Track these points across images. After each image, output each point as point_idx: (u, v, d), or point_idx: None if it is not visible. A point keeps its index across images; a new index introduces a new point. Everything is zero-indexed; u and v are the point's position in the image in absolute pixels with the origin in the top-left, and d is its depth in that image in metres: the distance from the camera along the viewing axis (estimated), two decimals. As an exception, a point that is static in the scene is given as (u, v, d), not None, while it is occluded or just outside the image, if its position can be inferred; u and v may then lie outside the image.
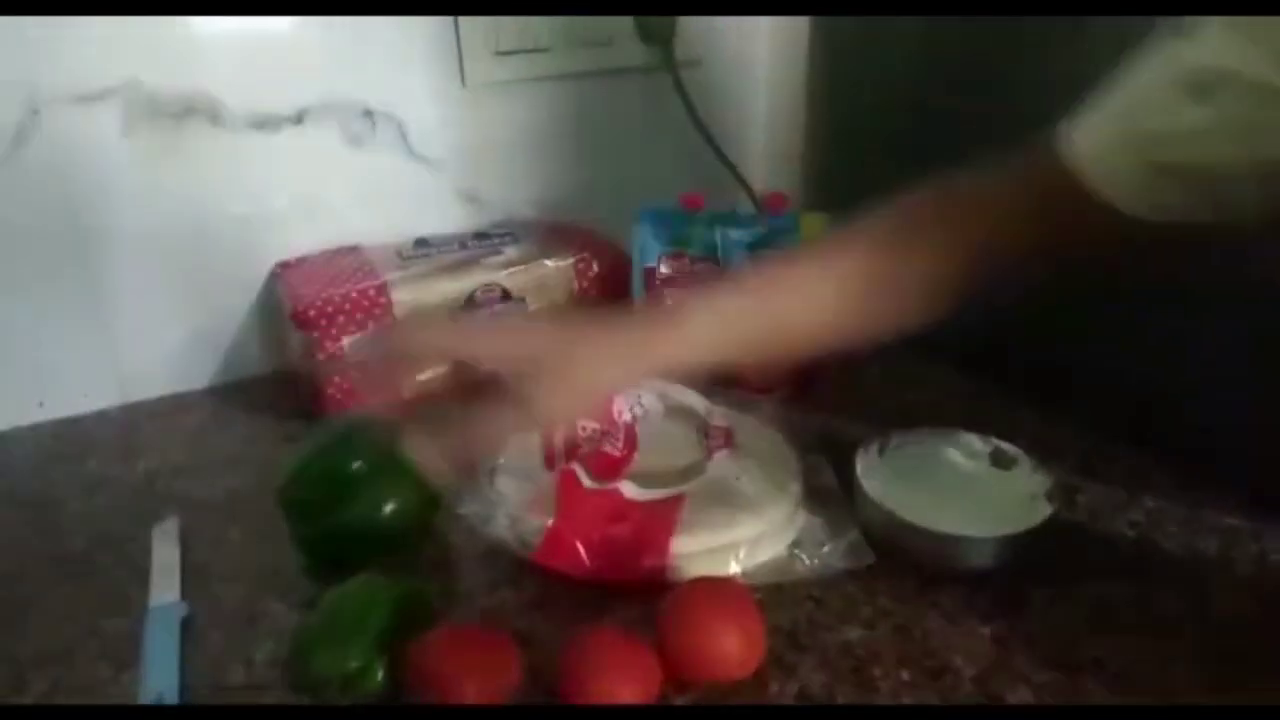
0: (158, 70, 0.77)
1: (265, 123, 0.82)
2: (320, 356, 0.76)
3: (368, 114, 0.86)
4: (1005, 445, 0.65)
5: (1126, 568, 0.61)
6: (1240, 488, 0.65)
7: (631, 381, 0.66)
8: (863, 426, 0.76)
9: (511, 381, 0.50)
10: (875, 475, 0.64)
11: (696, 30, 0.96)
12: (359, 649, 0.50)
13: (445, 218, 0.92)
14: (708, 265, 0.81)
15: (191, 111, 0.79)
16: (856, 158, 0.95)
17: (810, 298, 0.56)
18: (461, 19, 0.86)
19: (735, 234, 0.79)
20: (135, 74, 0.77)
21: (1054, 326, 0.76)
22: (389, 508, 0.61)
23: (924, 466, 0.65)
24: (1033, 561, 0.60)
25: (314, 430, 0.65)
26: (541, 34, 0.89)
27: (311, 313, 0.76)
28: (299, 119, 0.83)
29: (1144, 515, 0.66)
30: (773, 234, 0.79)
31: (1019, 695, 0.51)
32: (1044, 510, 0.60)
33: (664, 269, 0.81)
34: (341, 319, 0.77)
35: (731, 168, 0.97)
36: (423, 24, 0.85)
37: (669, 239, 0.81)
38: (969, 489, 0.63)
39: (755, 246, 0.78)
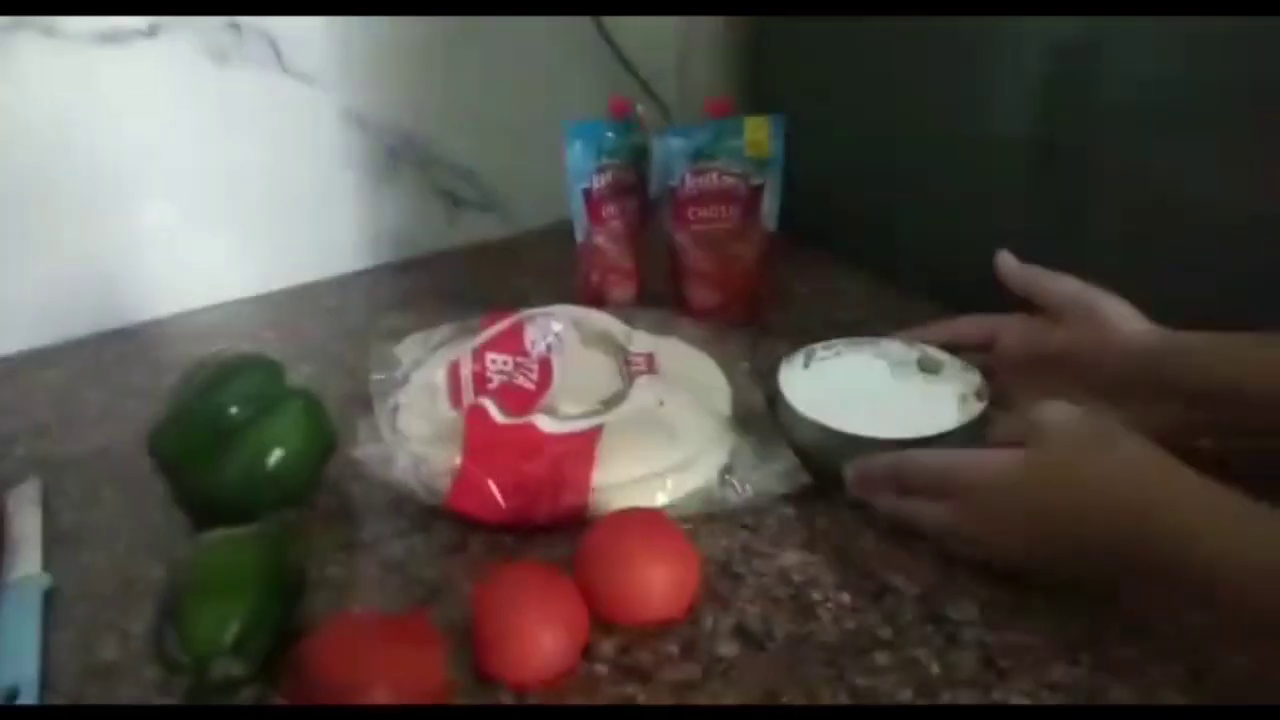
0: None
1: (112, 37, 0.72)
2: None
3: (232, 25, 0.76)
4: (931, 349, 0.63)
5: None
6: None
7: None
8: (789, 344, 0.73)
9: None
10: (801, 389, 0.61)
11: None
12: (235, 618, 0.44)
13: (327, 144, 0.84)
14: (638, 176, 0.76)
15: (21, 25, 0.69)
16: (790, 52, 0.89)
17: None
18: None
19: (677, 143, 0.73)
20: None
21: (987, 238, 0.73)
22: (275, 456, 0.54)
23: (851, 377, 0.63)
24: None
25: (187, 372, 0.58)
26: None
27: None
28: (151, 31, 0.74)
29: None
30: (717, 141, 0.73)
31: (963, 612, 0.49)
32: (975, 408, 0.57)
33: (598, 184, 0.75)
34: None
35: (635, 73, 0.90)
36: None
37: (600, 152, 0.74)
38: (899, 396, 0.61)
39: (700, 156, 0.73)
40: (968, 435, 0.56)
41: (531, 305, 0.70)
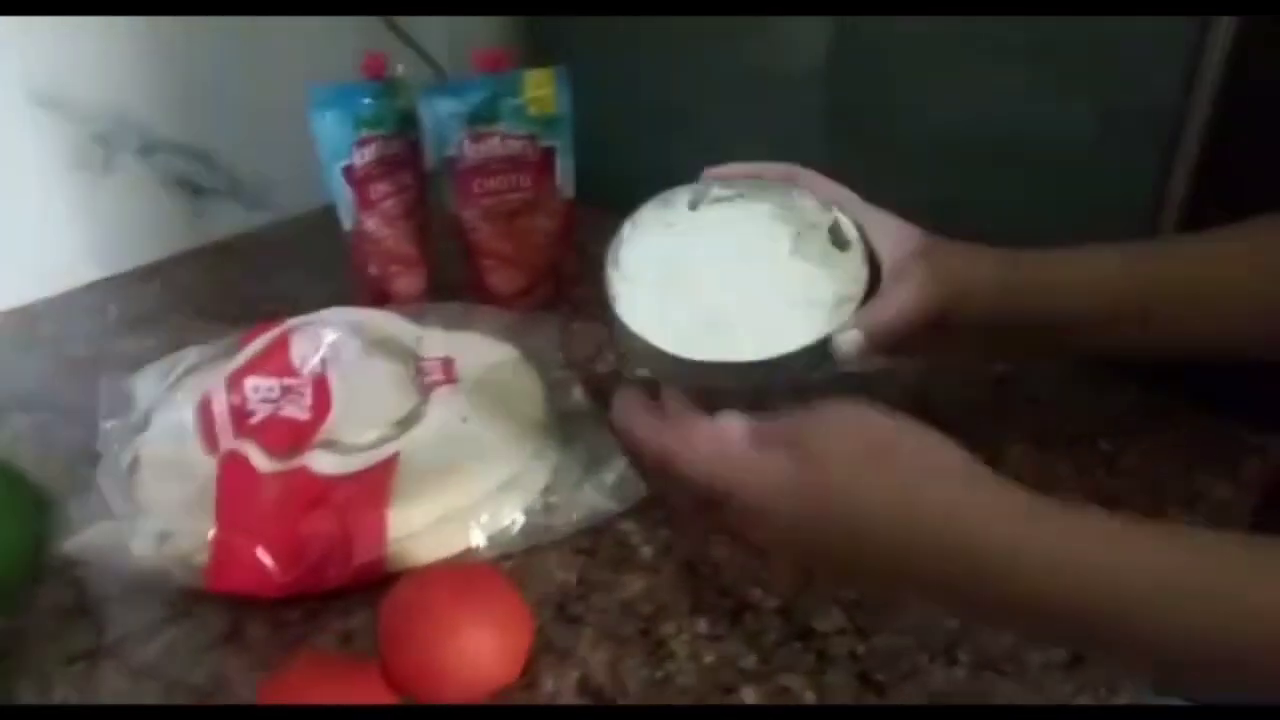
0: None
1: None
2: None
3: None
4: (847, 221, 0.48)
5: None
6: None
7: None
8: (604, 324, 0.66)
9: None
10: (654, 244, 0.49)
11: None
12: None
13: (13, 135, 0.68)
14: (409, 146, 0.65)
15: None
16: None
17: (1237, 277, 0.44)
18: None
19: (447, 105, 0.62)
20: None
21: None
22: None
23: (735, 234, 0.49)
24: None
25: None
26: None
27: None
28: None
29: (912, 376, 0.60)
30: (494, 101, 0.62)
31: (830, 620, 0.43)
32: (832, 321, 0.45)
33: (361, 160, 0.63)
34: None
35: (395, 27, 0.79)
36: None
37: (359, 122, 0.63)
38: (775, 277, 0.48)
39: (477, 120, 0.62)
40: (810, 358, 0.45)
41: (303, 310, 0.59)
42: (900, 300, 0.45)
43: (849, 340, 0.44)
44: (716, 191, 0.50)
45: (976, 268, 0.46)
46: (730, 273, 0.48)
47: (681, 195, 0.50)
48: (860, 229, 0.47)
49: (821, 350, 0.44)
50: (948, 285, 0.46)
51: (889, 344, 0.45)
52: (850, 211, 0.48)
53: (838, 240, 0.48)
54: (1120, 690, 0.40)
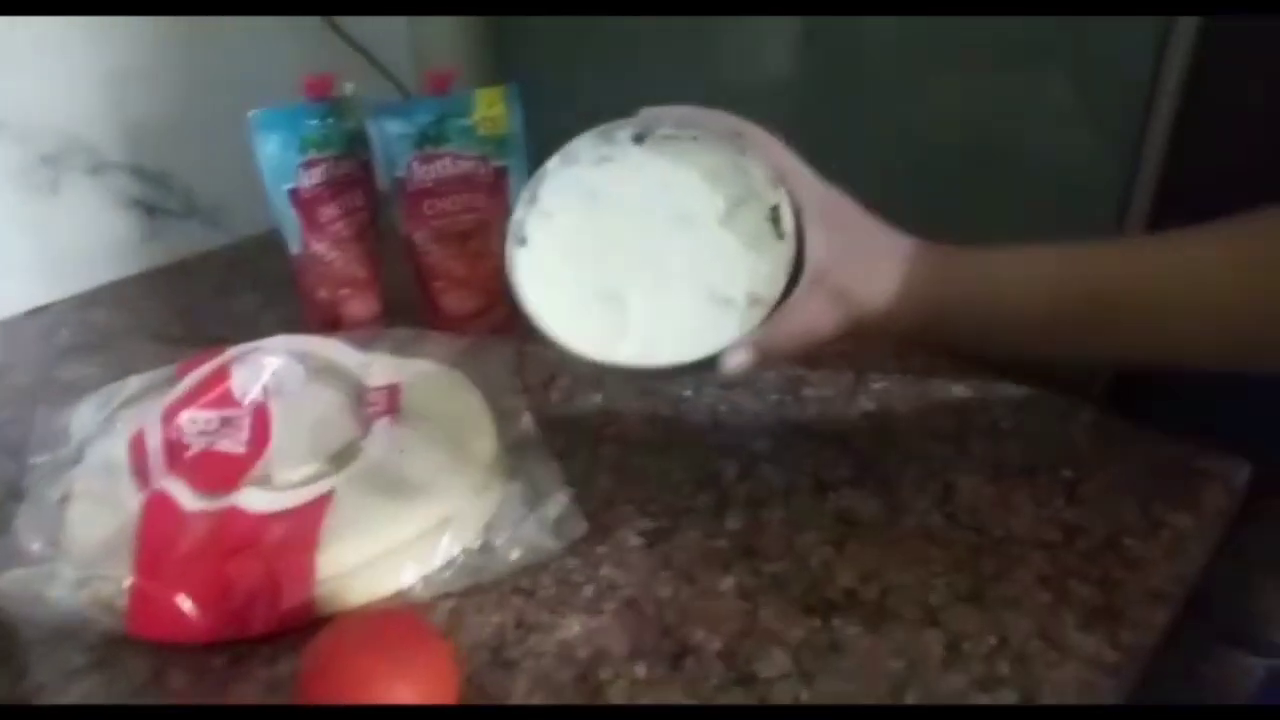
0: None
1: None
2: None
3: None
4: (789, 213, 0.44)
5: (865, 467, 0.53)
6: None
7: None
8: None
9: None
10: (570, 201, 0.46)
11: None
12: None
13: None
14: (359, 167, 0.64)
15: None
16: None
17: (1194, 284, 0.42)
18: None
19: (395, 125, 0.60)
20: None
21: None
22: None
23: (671, 184, 0.46)
24: (766, 481, 0.51)
25: None
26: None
27: None
28: None
29: (874, 401, 0.59)
30: (442, 121, 0.61)
31: (773, 664, 0.42)
32: (717, 334, 0.44)
33: (308, 182, 0.62)
34: None
35: (354, 44, 0.77)
36: None
37: (305, 144, 0.61)
38: (698, 252, 0.45)
39: (425, 141, 0.61)
40: (691, 370, 0.44)
41: (261, 333, 0.58)
42: (798, 323, 0.44)
43: (735, 358, 0.43)
44: (666, 130, 0.46)
45: (910, 281, 0.45)
46: (651, 233, 0.46)
47: (624, 129, 0.46)
48: (799, 218, 0.44)
49: (706, 362, 0.43)
50: (861, 307, 0.45)
51: (784, 360, 0.45)
52: (798, 190, 0.45)
53: (775, 225, 0.45)
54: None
